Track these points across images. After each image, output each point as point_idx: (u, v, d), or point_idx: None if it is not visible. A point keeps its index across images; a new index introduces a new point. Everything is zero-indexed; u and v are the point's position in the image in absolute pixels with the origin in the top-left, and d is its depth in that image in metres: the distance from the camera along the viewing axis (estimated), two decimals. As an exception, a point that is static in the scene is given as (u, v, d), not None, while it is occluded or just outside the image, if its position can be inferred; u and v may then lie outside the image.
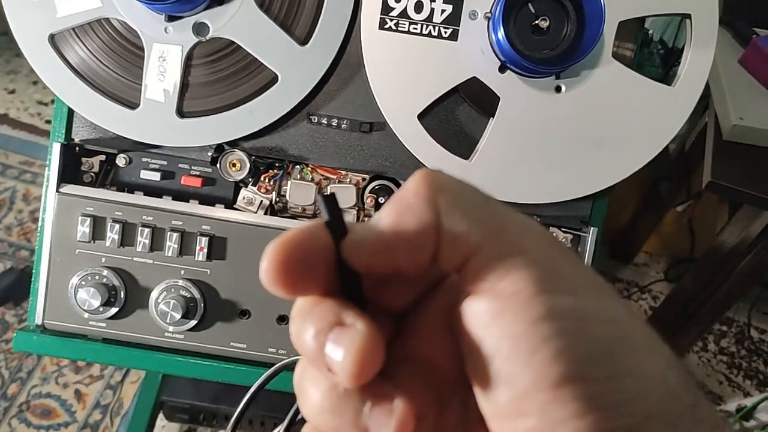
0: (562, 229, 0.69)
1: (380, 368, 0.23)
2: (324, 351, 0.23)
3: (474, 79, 0.64)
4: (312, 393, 0.24)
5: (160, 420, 1.36)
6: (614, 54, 0.63)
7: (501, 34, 0.60)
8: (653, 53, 0.77)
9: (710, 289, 1.20)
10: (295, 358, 0.57)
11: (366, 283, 0.25)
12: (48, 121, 2.05)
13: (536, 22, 0.61)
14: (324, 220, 0.24)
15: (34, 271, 0.66)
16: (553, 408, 0.21)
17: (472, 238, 0.23)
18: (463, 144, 0.66)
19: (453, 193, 0.24)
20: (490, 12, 0.62)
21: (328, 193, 0.18)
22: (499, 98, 0.64)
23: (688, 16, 0.63)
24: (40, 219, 0.66)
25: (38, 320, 0.66)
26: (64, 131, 0.66)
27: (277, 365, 0.55)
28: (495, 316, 0.23)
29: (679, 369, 0.24)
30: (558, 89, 0.64)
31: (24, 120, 2.05)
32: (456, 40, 0.63)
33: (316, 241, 0.24)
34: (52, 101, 2.10)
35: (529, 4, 0.62)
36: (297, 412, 0.62)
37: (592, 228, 0.67)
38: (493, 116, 0.65)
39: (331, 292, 0.24)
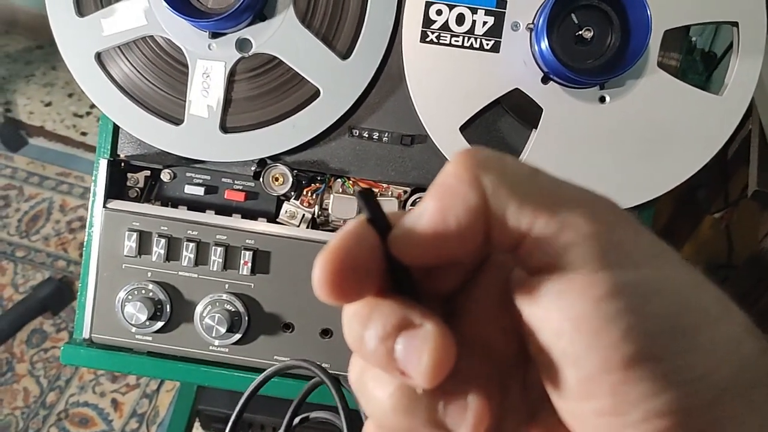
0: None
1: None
2: (394, 355, 0.22)
3: (516, 90, 0.64)
4: (378, 394, 0.24)
5: (196, 430, 1.37)
6: (659, 63, 0.62)
7: (544, 44, 0.59)
8: (696, 60, 0.76)
9: (752, 298, 1.18)
10: (288, 363, 0.57)
11: (412, 271, 0.24)
12: (84, 133, 2.09)
13: (580, 32, 0.61)
14: (366, 218, 0.23)
15: (80, 285, 0.67)
16: (624, 389, 0.21)
17: (525, 217, 0.22)
18: (505, 156, 0.66)
19: (497, 171, 0.23)
20: (533, 23, 0.62)
21: (364, 188, 0.18)
22: (542, 109, 0.64)
23: (735, 23, 0.62)
24: (86, 234, 0.67)
25: (85, 334, 0.66)
26: (109, 147, 0.67)
27: (268, 371, 0.55)
28: (556, 296, 0.22)
29: (757, 334, 0.22)
30: (602, 100, 0.63)
31: (60, 132, 2.09)
32: (498, 51, 0.63)
33: (363, 242, 0.23)
34: (88, 113, 2.15)
35: (573, 15, 0.61)
36: (292, 418, 0.62)
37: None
38: (536, 128, 0.64)
39: (384, 290, 0.23)
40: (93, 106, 2.13)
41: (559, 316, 0.22)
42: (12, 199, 1.90)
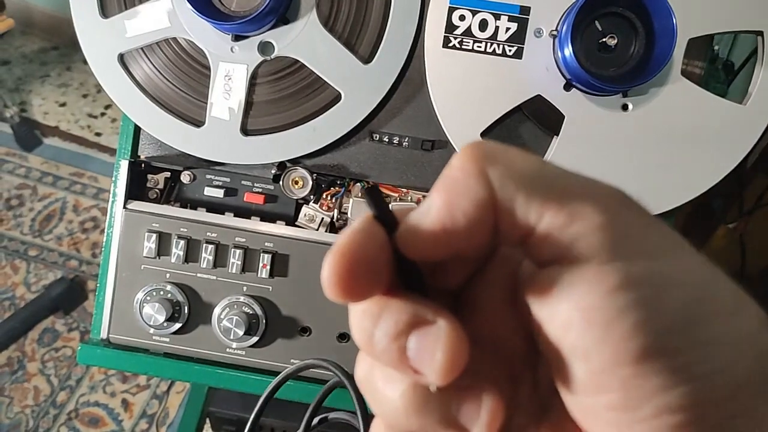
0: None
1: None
2: (407, 353, 0.22)
3: (538, 97, 0.63)
4: (389, 393, 0.23)
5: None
6: (683, 72, 0.62)
7: (568, 51, 0.59)
8: (718, 69, 0.75)
9: (766, 309, 1.17)
10: (301, 364, 0.57)
11: (420, 266, 0.24)
12: (98, 134, 2.10)
13: (603, 39, 0.61)
14: (373, 215, 0.23)
15: (98, 285, 0.67)
16: (636, 383, 0.20)
17: (533, 209, 0.21)
18: (526, 162, 0.66)
19: (504, 163, 0.22)
20: (556, 30, 0.62)
21: (371, 186, 0.18)
22: (564, 116, 0.63)
23: (760, 33, 0.62)
24: (105, 234, 0.67)
25: (103, 334, 0.67)
26: (130, 148, 0.67)
27: (288, 369, 0.55)
28: (566, 288, 0.21)
29: None
30: (624, 107, 0.63)
31: (74, 132, 2.10)
32: (520, 58, 0.63)
33: (371, 239, 0.22)
34: (102, 114, 2.16)
35: (597, 22, 0.61)
36: (311, 418, 0.62)
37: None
38: (558, 134, 0.64)
39: (393, 288, 0.23)
40: (107, 106, 2.15)
41: (569, 308, 0.21)
42: (26, 198, 1.91)
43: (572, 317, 0.21)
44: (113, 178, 0.67)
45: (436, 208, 0.22)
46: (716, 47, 0.74)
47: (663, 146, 0.63)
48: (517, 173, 0.22)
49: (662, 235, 0.22)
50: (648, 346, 0.20)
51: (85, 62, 0.66)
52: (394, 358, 0.22)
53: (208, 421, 1.31)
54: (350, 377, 0.53)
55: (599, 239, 0.21)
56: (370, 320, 0.22)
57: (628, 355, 0.20)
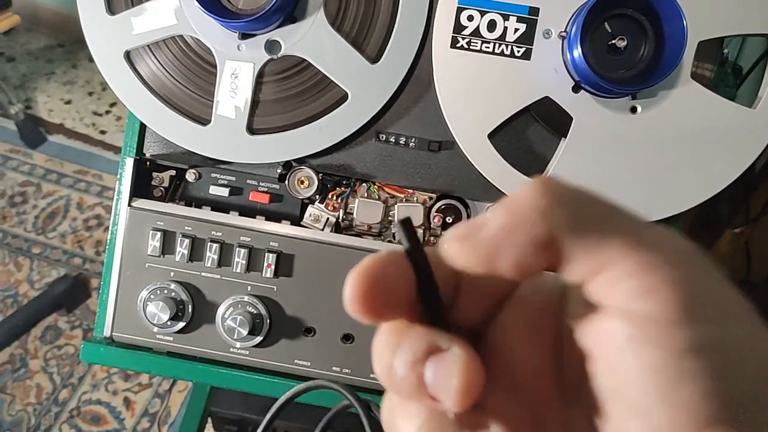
0: (635, 253, 0.67)
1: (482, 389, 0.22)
2: (424, 380, 0.22)
3: (546, 98, 0.63)
4: (406, 429, 0.24)
5: (208, 431, 1.37)
6: (692, 75, 0.62)
7: (577, 53, 0.59)
8: (728, 73, 0.75)
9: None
10: (318, 383, 0.57)
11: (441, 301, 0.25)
12: (102, 132, 2.10)
13: (613, 41, 0.60)
14: (404, 249, 0.24)
15: (102, 283, 0.67)
16: None
17: (602, 254, 0.21)
18: (533, 164, 0.65)
19: (575, 206, 0.22)
20: (565, 31, 0.61)
21: (403, 217, 0.18)
22: (572, 118, 0.63)
23: (771, 36, 0.61)
24: (110, 232, 0.67)
25: (107, 332, 0.66)
26: (135, 146, 0.67)
27: (295, 389, 0.55)
28: (631, 342, 0.21)
29: None
30: (633, 110, 0.63)
31: (79, 130, 2.10)
32: (529, 59, 0.63)
33: (393, 266, 0.23)
34: (107, 112, 2.16)
35: (606, 23, 0.61)
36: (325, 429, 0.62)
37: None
38: (566, 136, 0.63)
39: (414, 321, 0.24)
40: (113, 104, 2.15)
41: (634, 365, 0.21)
42: (29, 195, 1.91)
43: (636, 374, 0.21)
44: (118, 176, 0.66)
45: (495, 225, 0.22)
46: (726, 51, 0.74)
47: (671, 149, 0.63)
48: (587, 219, 0.22)
49: (735, 300, 0.22)
50: (713, 414, 0.20)
51: (90, 60, 0.66)
52: (412, 386, 0.22)
53: (209, 421, 1.31)
54: (362, 402, 0.53)
55: (672, 296, 0.20)
56: (390, 352, 0.23)
57: (691, 420, 0.20)
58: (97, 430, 1.50)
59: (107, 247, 0.67)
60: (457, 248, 0.23)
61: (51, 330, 1.64)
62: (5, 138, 2.04)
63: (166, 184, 0.69)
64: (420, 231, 0.67)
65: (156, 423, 1.51)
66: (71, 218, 1.87)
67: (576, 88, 0.62)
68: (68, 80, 2.24)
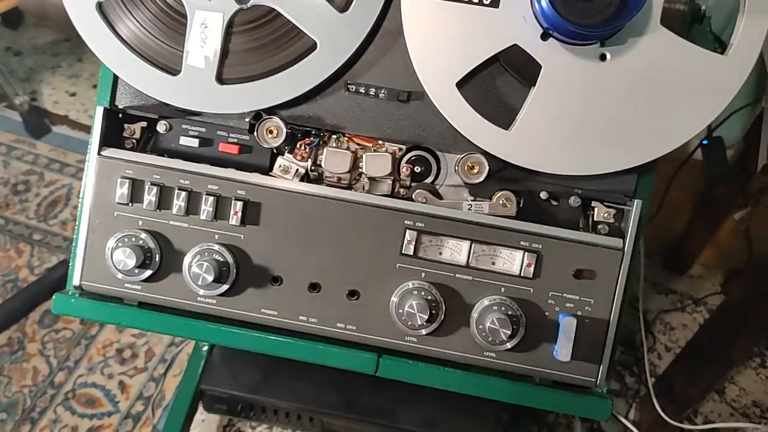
0: (605, 203, 0.66)
1: None
2: None
3: (515, 47, 0.62)
4: None
5: (200, 414, 1.36)
6: (666, 9, 0.60)
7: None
8: (707, 31, 0.74)
9: (757, 299, 1.14)
10: None
11: None
12: (105, 122, 2.11)
13: (581, -13, 0.60)
14: None
15: (75, 233, 0.67)
16: None
17: None
18: (503, 114, 0.65)
19: None
20: (533, -23, 0.61)
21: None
22: (541, 67, 0.62)
23: (743, -19, 0.61)
24: (82, 183, 0.67)
25: (75, 281, 0.66)
26: (108, 98, 0.67)
27: None
28: None
29: None
30: (603, 57, 0.62)
31: (83, 121, 2.12)
32: (497, 6, 0.62)
33: None
34: (110, 103, 2.17)
35: (574, -31, 0.60)
36: None
37: (636, 200, 0.64)
38: (534, 85, 0.63)
39: None
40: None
41: None
42: (32, 184, 1.93)
43: None
44: (91, 126, 0.67)
45: None
46: (703, 7, 0.73)
47: (642, 96, 0.62)
48: None
49: None
50: None
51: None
52: None
53: (200, 404, 1.31)
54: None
55: None
56: None
57: None
58: (92, 413, 1.50)
59: (80, 197, 0.67)
60: None
61: (49, 314, 1.65)
62: (11, 128, 2.07)
63: (137, 135, 0.69)
64: (389, 181, 0.67)
65: (150, 406, 1.51)
66: (73, 206, 1.88)
67: (545, 36, 0.62)
68: (73, 73, 2.26)
